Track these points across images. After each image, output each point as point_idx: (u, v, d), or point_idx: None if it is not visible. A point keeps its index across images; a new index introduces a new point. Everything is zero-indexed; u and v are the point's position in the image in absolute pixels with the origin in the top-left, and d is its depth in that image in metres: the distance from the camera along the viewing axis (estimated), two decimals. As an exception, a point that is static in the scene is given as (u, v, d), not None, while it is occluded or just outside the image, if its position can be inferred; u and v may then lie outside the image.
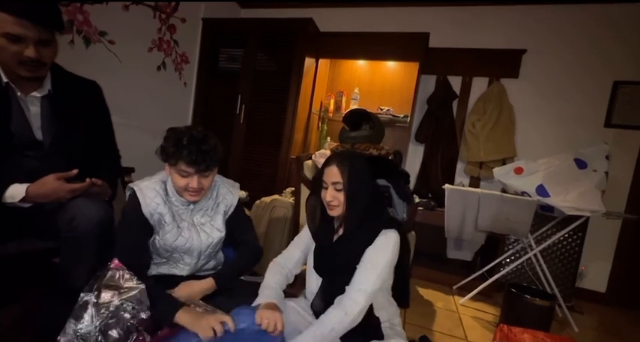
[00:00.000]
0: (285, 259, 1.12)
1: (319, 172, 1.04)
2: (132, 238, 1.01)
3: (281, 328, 0.88)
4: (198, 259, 1.11)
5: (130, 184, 1.05)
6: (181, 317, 0.88)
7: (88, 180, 0.99)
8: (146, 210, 1.01)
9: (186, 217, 1.09)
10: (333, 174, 0.98)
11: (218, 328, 0.84)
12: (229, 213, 1.16)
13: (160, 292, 0.93)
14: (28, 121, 1.01)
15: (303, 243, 1.13)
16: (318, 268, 1.05)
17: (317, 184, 1.04)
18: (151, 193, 1.03)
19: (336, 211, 1.00)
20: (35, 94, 1.02)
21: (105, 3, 1.91)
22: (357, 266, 0.95)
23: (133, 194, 1.03)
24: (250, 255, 1.16)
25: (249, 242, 1.18)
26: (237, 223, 1.17)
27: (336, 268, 1.00)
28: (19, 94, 0.99)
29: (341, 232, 1.06)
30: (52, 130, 1.04)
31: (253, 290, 1.02)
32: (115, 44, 2.02)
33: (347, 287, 0.93)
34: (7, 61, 0.93)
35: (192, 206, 1.10)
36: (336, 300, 0.92)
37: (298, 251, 1.13)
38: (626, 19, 2.26)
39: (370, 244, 0.96)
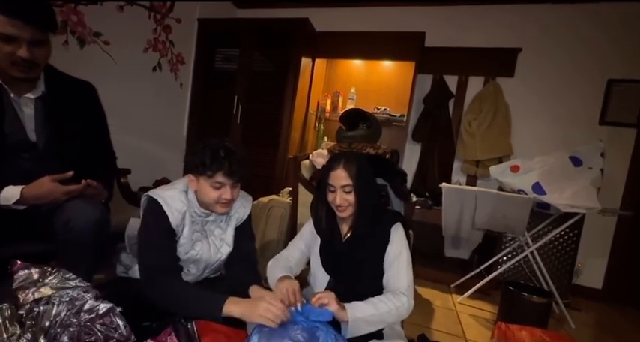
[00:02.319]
0: (286, 257, 1.12)
1: (324, 176, 1.04)
2: (166, 244, 0.98)
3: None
4: (203, 271, 1.10)
5: (149, 193, 1.01)
6: (231, 308, 0.85)
7: (83, 182, 0.99)
8: (174, 223, 0.98)
9: (200, 229, 1.07)
10: (341, 177, 1.00)
11: (275, 309, 0.82)
12: (238, 225, 1.14)
13: (199, 291, 0.92)
14: (22, 123, 1.00)
15: (304, 243, 1.14)
16: (326, 266, 1.06)
17: (322, 188, 1.05)
18: (177, 204, 0.99)
19: (346, 213, 1.02)
20: (29, 95, 1.01)
21: (99, 3, 1.90)
22: (387, 267, 0.99)
23: (156, 206, 0.97)
24: (254, 276, 1.11)
25: (252, 257, 1.14)
26: (241, 234, 1.14)
27: (349, 267, 1.02)
28: (12, 95, 0.99)
29: (345, 228, 1.08)
30: (47, 132, 1.04)
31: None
32: (110, 45, 2.01)
33: (387, 287, 0.99)
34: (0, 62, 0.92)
35: (211, 218, 1.07)
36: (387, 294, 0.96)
37: (298, 251, 1.13)
38: (618, 18, 2.28)
39: (385, 241, 1.00)
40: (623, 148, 2.31)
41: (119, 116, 2.07)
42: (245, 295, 1.01)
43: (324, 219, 1.07)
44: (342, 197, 0.99)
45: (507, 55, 2.49)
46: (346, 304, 0.89)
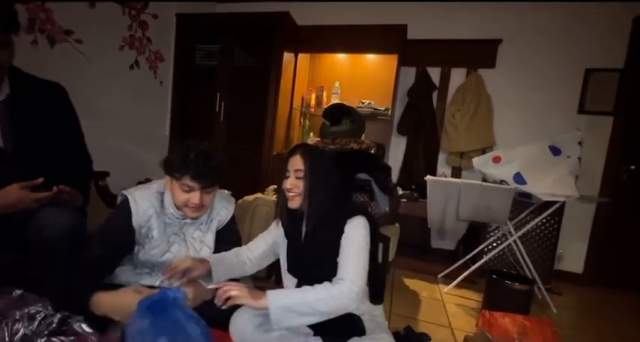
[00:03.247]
0: (247, 248, 1.11)
1: (284, 162, 1.03)
2: (104, 246, 0.96)
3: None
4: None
5: (124, 191, 1.01)
6: (99, 302, 0.82)
7: (55, 188, 0.96)
8: (136, 222, 0.98)
9: (178, 231, 1.05)
10: (296, 162, 0.98)
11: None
12: (220, 228, 1.13)
13: (86, 283, 0.89)
14: (-14, 129, 0.96)
15: (271, 237, 1.11)
16: (291, 269, 1.04)
17: (282, 175, 1.03)
18: (145, 204, 0.99)
19: (295, 202, 0.99)
20: (-7, 99, 0.97)
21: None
22: (338, 259, 0.93)
23: (125, 202, 0.99)
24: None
25: None
26: (226, 236, 1.13)
27: (309, 265, 1.00)
28: (-26, 100, 0.94)
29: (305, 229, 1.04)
30: (14, 137, 1.00)
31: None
32: (83, 43, 1.94)
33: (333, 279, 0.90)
34: None
35: (187, 220, 1.06)
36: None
37: (263, 244, 1.11)
38: (595, 7, 2.31)
39: (338, 235, 0.94)
40: (601, 136, 2.37)
41: (96, 117, 2.03)
42: None
43: (285, 216, 1.05)
44: (292, 182, 0.98)
45: (488, 46, 2.51)
46: (268, 292, 0.85)
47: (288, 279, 1.05)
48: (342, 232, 0.94)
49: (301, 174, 0.97)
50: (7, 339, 0.69)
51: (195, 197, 0.97)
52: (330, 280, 0.91)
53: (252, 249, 1.11)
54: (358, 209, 1.01)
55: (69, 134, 1.15)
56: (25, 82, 1.04)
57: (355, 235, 0.94)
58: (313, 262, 0.98)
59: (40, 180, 0.94)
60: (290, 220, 1.05)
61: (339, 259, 0.93)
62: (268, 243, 1.11)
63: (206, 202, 1.00)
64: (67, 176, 1.04)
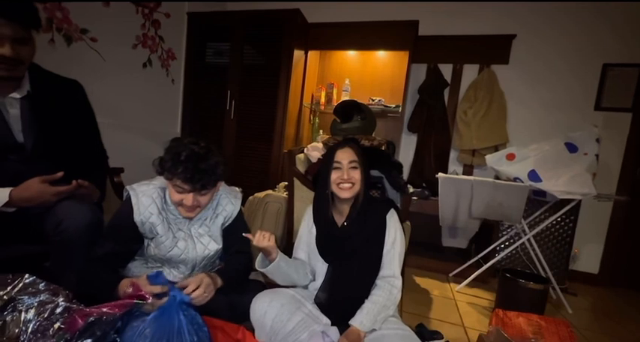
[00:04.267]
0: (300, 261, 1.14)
1: (329, 156, 1.07)
2: (113, 242, 0.97)
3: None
4: (192, 270, 1.08)
5: (128, 187, 1.01)
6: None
7: (74, 182, 0.98)
8: (138, 218, 0.97)
9: (183, 227, 1.05)
10: (349, 154, 1.04)
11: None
12: (227, 223, 1.12)
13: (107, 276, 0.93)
14: (8, 124, 0.99)
15: (305, 244, 1.14)
16: (324, 255, 1.07)
17: (323, 175, 1.07)
18: (147, 200, 0.99)
19: (349, 192, 1.03)
20: (14, 95, 0.99)
21: (84, -1, 1.85)
22: (384, 254, 1.02)
23: (129, 198, 0.99)
24: (249, 265, 1.10)
25: (246, 254, 1.12)
26: (234, 232, 1.10)
27: (346, 253, 1.04)
28: (-4, 96, 0.96)
29: (340, 219, 1.09)
30: (34, 132, 1.02)
31: (264, 287, 1.04)
32: (98, 42, 1.97)
33: (381, 274, 1.02)
34: None
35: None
36: (378, 283, 1.01)
37: (304, 255, 1.14)
38: (613, 2, 2.25)
39: (382, 228, 1.03)
40: (619, 133, 2.30)
41: (110, 114, 2.06)
42: (238, 288, 1.03)
43: (323, 208, 1.09)
44: (349, 173, 1.03)
45: (502, 41, 2.46)
46: (354, 323, 0.92)
47: (320, 265, 1.08)
48: (384, 223, 1.04)
49: (356, 164, 1.04)
50: (19, 326, 0.69)
51: (187, 199, 0.95)
52: (364, 268, 1.00)
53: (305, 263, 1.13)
54: (390, 202, 1.11)
55: (86, 130, 1.18)
56: (45, 79, 1.06)
57: (398, 232, 1.05)
58: (351, 250, 1.03)
59: (60, 174, 0.96)
60: (325, 210, 1.09)
61: (385, 256, 1.02)
62: (305, 251, 1.14)
63: (201, 203, 0.98)
64: (84, 171, 1.06)
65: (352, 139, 1.20)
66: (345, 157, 1.04)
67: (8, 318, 0.70)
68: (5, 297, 0.71)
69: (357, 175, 1.03)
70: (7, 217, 0.96)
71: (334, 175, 1.04)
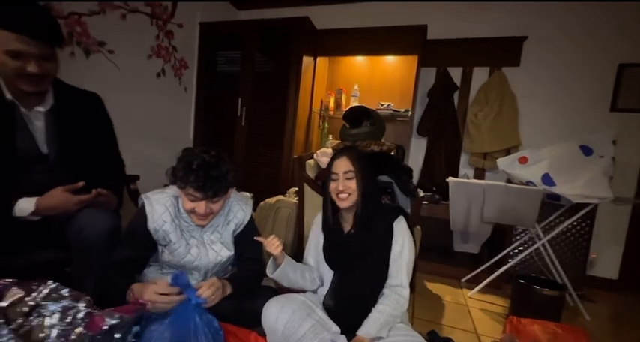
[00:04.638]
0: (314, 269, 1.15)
1: (329, 168, 1.08)
2: (129, 249, 1.00)
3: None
4: (205, 276, 1.10)
5: (143, 195, 1.05)
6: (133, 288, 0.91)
7: (94, 191, 1.02)
8: (151, 226, 1.00)
9: (196, 234, 1.08)
10: (343, 164, 1.04)
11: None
12: (238, 230, 1.14)
13: (119, 280, 0.96)
14: (33, 136, 1.04)
15: (314, 250, 1.16)
16: (330, 261, 1.08)
17: (327, 183, 1.08)
18: (160, 208, 1.01)
19: (346, 202, 1.04)
20: (39, 108, 1.04)
21: (102, 13, 1.93)
22: (391, 261, 1.02)
23: (143, 206, 1.02)
24: (261, 272, 1.11)
25: (258, 260, 1.13)
26: (245, 239, 1.12)
27: (352, 260, 1.04)
28: (22, 109, 1.02)
29: (347, 226, 1.10)
30: (57, 144, 1.07)
31: (275, 292, 1.06)
32: (114, 54, 2.05)
33: (389, 281, 1.02)
34: (9, 77, 0.95)
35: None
36: (385, 292, 1.01)
37: (312, 260, 1.16)
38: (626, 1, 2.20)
39: (389, 235, 1.02)
40: (636, 135, 2.24)
41: (126, 123, 2.12)
42: (249, 294, 1.04)
43: (330, 215, 1.11)
44: (344, 184, 1.03)
45: (512, 44, 2.44)
46: (361, 334, 0.93)
47: (326, 271, 1.10)
48: (391, 230, 1.03)
49: (351, 175, 1.03)
50: (44, 329, 0.72)
51: (200, 207, 0.97)
52: (370, 275, 1.01)
53: (313, 269, 1.15)
54: (398, 209, 1.10)
55: (105, 141, 1.23)
56: (67, 93, 1.12)
57: (406, 240, 1.03)
58: (357, 257, 1.03)
59: (82, 183, 1.00)
60: (332, 217, 1.11)
61: (392, 264, 1.02)
62: (314, 257, 1.16)
63: (213, 210, 1.01)
64: (103, 180, 1.10)
65: (350, 147, 1.20)
66: (341, 167, 1.04)
67: (34, 323, 0.73)
68: (32, 303, 0.74)
69: (352, 185, 1.03)
70: (30, 225, 1.00)
71: (332, 186, 1.06)
